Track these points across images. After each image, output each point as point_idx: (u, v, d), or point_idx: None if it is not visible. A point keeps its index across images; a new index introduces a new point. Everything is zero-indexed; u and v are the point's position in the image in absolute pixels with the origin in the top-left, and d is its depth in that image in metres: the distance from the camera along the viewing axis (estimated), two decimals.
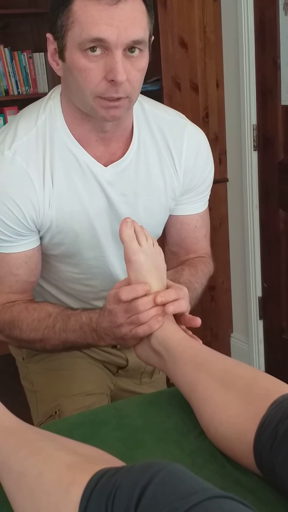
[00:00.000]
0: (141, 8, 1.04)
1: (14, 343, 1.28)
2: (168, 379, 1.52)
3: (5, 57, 2.93)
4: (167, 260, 1.36)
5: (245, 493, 0.83)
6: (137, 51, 1.04)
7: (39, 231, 1.20)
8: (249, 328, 2.81)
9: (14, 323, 1.19)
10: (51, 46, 1.10)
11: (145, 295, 1.03)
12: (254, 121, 2.54)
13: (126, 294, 1.03)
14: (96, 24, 1.00)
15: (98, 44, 1.02)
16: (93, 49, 1.02)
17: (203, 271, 1.34)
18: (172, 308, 1.03)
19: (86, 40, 1.01)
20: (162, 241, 1.38)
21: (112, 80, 1.03)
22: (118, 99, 1.06)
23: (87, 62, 1.03)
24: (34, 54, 3.00)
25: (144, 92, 1.30)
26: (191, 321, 1.07)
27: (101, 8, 1.00)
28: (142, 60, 1.07)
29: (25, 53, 2.99)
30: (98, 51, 1.02)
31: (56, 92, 1.20)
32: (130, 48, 1.03)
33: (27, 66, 3.00)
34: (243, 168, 2.61)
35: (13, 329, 1.20)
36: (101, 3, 0.99)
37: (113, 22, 1.00)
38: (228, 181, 2.72)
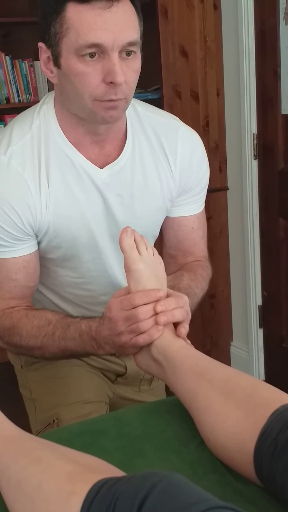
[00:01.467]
0: (132, 10, 1.06)
1: (13, 350, 1.28)
2: (167, 387, 1.52)
3: (6, 65, 2.94)
4: (165, 264, 1.37)
5: (246, 503, 0.82)
6: (131, 53, 1.06)
7: (36, 236, 1.20)
8: (249, 337, 2.80)
9: (13, 329, 1.19)
10: (44, 54, 1.11)
11: (158, 300, 1.03)
12: (254, 130, 2.54)
13: (139, 299, 1.03)
14: (92, 30, 1.01)
15: (95, 50, 1.03)
16: (91, 54, 1.03)
17: (202, 275, 1.34)
18: (163, 319, 1.02)
19: (83, 45, 1.03)
20: (160, 244, 1.38)
21: (111, 82, 1.04)
22: (116, 100, 1.07)
23: (85, 66, 1.05)
24: (35, 62, 3.01)
25: (144, 101, 1.31)
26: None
27: (95, 13, 1.01)
28: (136, 61, 1.09)
29: (26, 61, 2.99)
30: (95, 56, 1.04)
31: (50, 98, 1.21)
32: (126, 51, 1.05)
33: (28, 74, 3.01)
34: (243, 177, 2.62)
35: (13, 335, 1.20)
36: (94, 8, 1.01)
37: (108, 26, 1.02)
38: (228, 189, 2.72)
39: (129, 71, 1.07)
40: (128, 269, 1.06)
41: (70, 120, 1.16)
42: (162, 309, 1.02)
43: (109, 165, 1.20)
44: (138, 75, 1.11)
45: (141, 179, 1.23)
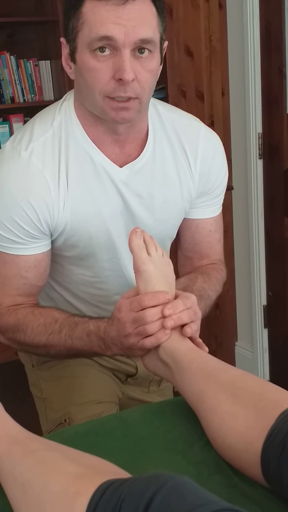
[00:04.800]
0: (151, 10, 1.05)
1: (16, 347, 1.26)
2: (174, 388, 1.52)
3: (11, 65, 2.94)
4: (180, 265, 1.36)
5: (252, 505, 0.82)
6: (146, 52, 1.05)
7: (51, 235, 1.19)
8: (254, 337, 2.80)
9: (18, 326, 1.19)
10: (65, 50, 1.12)
11: (167, 303, 1.03)
12: (259, 129, 2.54)
13: (148, 300, 1.02)
14: (104, 23, 1.02)
15: (106, 44, 1.03)
16: (102, 49, 1.03)
17: (216, 278, 1.33)
18: (170, 323, 1.01)
19: (94, 39, 1.03)
20: (176, 246, 1.38)
21: (120, 79, 1.03)
22: (128, 100, 1.06)
23: (96, 62, 1.05)
24: (40, 62, 3.01)
25: (153, 98, 1.31)
26: (200, 347, 1.05)
27: (109, 8, 1.02)
28: (152, 62, 1.07)
29: (31, 61, 2.99)
30: (107, 51, 1.04)
31: (70, 95, 1.21)
32: (139, 49, 1.04)
33: (33, 74, 3.00)
34: (248, 176, 2.61)
35: (17, 332, 1.19)
36: (109, 3, 1.01)
37: (120, 21, 1.02)
38: (233, 189, 2.72)
39: (142, 70, 1.05)
40: (137, 270, 1.06)
41: (89, 118, 1.15)
42: (170, 312, 1.02)
43: (128, 164, 1.19)
44: (155, 76, 1.10)
45: (161, 179, 1.23)
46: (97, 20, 1.02)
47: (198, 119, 1.31)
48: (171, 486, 0.68)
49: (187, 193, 1.26)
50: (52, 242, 1.22)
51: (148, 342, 1.03)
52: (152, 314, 1.02)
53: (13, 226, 1.15)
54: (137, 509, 0.67)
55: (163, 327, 1.02)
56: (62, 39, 1.12)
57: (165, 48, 1.14)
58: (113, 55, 1.04)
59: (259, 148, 2.55)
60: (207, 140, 1.27)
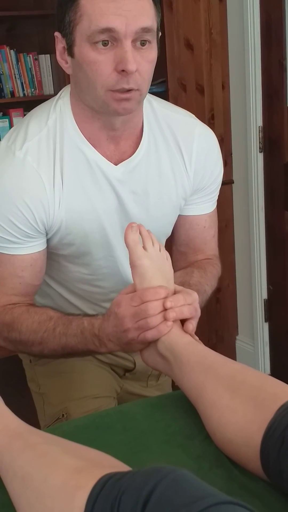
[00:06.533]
0: (148, 0, 1.05)
1: (11, 347, 1.25)
2: (173, 382, 1.52)
3: (11, 59, 2.93)
4: (174, 261, 1.35)
5: (252, 498, 0.82)
6: (146, 43, 1.05)
7: (47, 234, 1.19)
8: (255, 331, 2.80)
9: (13, 325, 1.18)
10: (60, 44, 1.11)
11: (166, 297, 1.02)
12: (260, 123, 2.53)
13: (150, 295, 1.02)
14: (104, 15, 1.01)
15: (107, 36, 1.02)
16: (104, 42, 1.03)
17: (212, 272, 1.33)
18: (173, 315, 1.02)
19: (95, 31, 1.02)
20: (170, 241, 1.38)
21: (123, 71, 1.03)
22: (129, 91, 1.06)
23: (97, 54, 1.04)
24: (39, 56, 3.00)
25: (149, 94, 1.30)
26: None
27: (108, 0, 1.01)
28: (151, 52, 1.07)
29: (31, 55, 2.98)
30: (108, 44, 1.03)
31: (66, 91, 1.20)
32: (141, 40, 1.04)
33: (33, 68, 2.99)
34: (248, 170, 2.61)
35: (12, 331, 1.19)
36: None
37: (121, 12, 1.01)
38: (233, 183, 2.72)
39: (143, 61, 1.05)
40: (133, 265, 1.06)
41: (86, 114, 1.15)
42: (172, 305, 1.02)
43: (123, 161, 1.19)
44: (153, 67, 1.09)
45: (156, 177, 1.22)
46: (97, 12, 1.01)
47: (193, 116, 1.30)
48: (171, 479, 0.68)
49: (181, 190, 1.26)
50: (48, 241, 1.21)
51: (150, 334, 1.03)
52: (154, 307, 1.02)
53: (9, 226, 1.14)
54: (137, 502, 0.67)
55: (165, 319, 1.02)
56: (57, 33, 1.10)
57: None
58: (113, 46, 1.03)
59: (259, 142, 2.55)
60: (202, 137, 1.26)
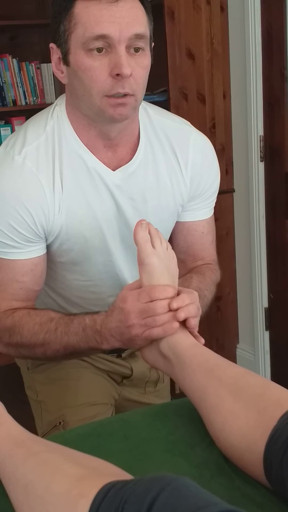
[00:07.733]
0: (140, 7, 1.07)
1: (13, 352, 1.25)
2: (171, 389, 1.52)
3: (13, 68, 2.95)
4: None
5: (253, 507, 0.82)
6: (139, 50, 1.07)
7: (46, 239, 1.20)
8: (255, 339, 2.79)
9: (14, 328, 1.18)
10: (55, 55, 1.13)
11: (173, 297, 1.02)
12: (261, 132, 2.54)
13: (158, 293, 1.02)
14: (98, 22, 1.03)
15: (102, 43, 1.04)
16: (98, 49, 1.04)
17: (211, 278, 1.33)
18: (183, 314, 1.02)
19: (89, 38, 1.04)
20: None
21: (118, 75, 1.04)
22: (125, 96, 1.07)
23: (92, 61, 1.05)
24: (42, 64, 3.01)
25: (151, 103, 1.31)
26: (196, 339, 1.06)
27: (102, 7, 1.03)
28: (145, 58, 1.09)
29: (33, 64, 3.00)
30: (102, 51, 1.05)
31: (61, 100, 1.21)
32: (134, 47, 1.06)
33: (35, 76, 3.01)
34: (249, 179, 2.61)
35: (14, 335, 1.19)
36: (101, 2, 1.03)
37: (114, 19, 1.03)
38: (234, 191, 2.72)
39: (137, 67, 1.07)
40: (141, 263, 1.06)
41: (82, 122, 1.16)
42: (179, 306, 1.02)
43: (121, 167, 1.19)
44: (147, 73, 1.11)
45: (154, 183, 1.23)
46: (91, 19, 1.03)
47: (189, 123, 1.31)
48: (173, 487, 0.68)
49: (179, 196, 1.27)
50: (48, 247, 1.22)
51: (156, 332, 1.02)
52: (162, 306, 1.02)
53: (9, 230, 1.15)
54: (139, 510, 0.67)
55: (175, 319, 1.01)
56: (52, 45, 1.12)
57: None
58: (108, 53, 1.05)
59: (260, 151, 2.55)
60: (197, 144, 1.27)
